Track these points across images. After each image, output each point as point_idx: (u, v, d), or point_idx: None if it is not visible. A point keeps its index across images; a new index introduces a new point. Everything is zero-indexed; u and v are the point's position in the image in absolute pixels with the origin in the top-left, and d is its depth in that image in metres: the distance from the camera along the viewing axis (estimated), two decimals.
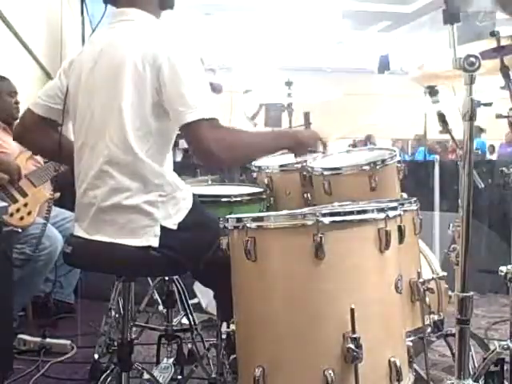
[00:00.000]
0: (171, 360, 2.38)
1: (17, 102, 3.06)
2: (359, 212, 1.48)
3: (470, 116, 1.54)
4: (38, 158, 3.07)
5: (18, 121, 1.98)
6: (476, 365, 1.92)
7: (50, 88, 1.88)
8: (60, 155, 1.83)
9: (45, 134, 1.88)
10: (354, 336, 1.36)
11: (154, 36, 1.69)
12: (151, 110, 1.64)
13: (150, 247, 1.64)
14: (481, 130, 8.66)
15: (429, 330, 1.94)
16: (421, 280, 1.88)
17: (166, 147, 1.70)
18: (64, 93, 1.81)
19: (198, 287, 3.02)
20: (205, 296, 3.00)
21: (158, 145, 1.67)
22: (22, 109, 3.05)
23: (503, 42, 1.71)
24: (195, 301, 3.02)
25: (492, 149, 11.37)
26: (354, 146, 9.28)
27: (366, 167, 2.15)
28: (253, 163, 2.55)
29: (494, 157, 10.57)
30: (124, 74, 1.63)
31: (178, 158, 5.58)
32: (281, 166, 2.45)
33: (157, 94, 1.62)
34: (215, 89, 6.79)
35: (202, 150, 1.61)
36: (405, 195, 2.23)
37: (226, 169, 2.27)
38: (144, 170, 1.64)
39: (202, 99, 1.60)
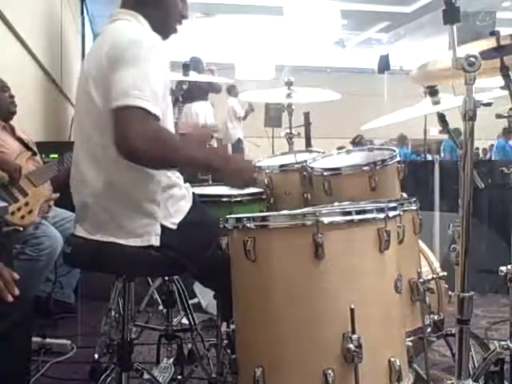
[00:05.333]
0: (171, 360, 2.38)
1: (11, 96, 3.04)
2: (359, 212, 1.48)
3: (470, 116, 1.54)
4: (38, 158, 3.07)
5: None
6: (476, 365, 1.92)
7: None
8: None
9: None
10: (354, 336, 1.36)
11: (119, 32, 1.68)
12: None
13: (150, 247, 1.64)
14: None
15: (429, 330, 1.94)
16: (421, 280, 1.88)
17: None
18: None
19: (198, 287, 3.02)
20: (205, 296, 3.00)
21: None
22: (19, 106, 3.06)
23: (503, 42, 1.71)
24: (195, 301, 3.02)
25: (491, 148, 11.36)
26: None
27: (366, 167, 2.15)
28: (253, 163, 2.55)
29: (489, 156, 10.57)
30: (96, 77, 1.63)
31: None
32: (281, 166, 2.45)
33: None
34: (214, 89, 6.81)
35: (124, 139, 1.49)
36: (405, 195, 2.23)
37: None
38: (143, 168, 1.63)
39: (138, 87, 1.51)
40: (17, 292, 1.40)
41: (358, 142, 9.47)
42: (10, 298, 1.38)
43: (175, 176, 1.73)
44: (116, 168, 1.62)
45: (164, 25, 1.81)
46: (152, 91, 1.53)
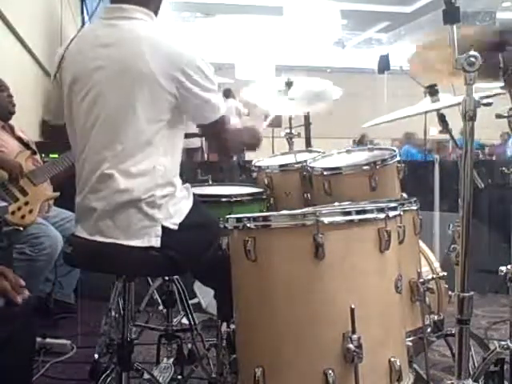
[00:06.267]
0: (171, 360, 2.38)
1: (10, 96, 3.02)
2: (359, 212, 1.48)
3: (470, 116, 1.54)
4: (37, 157, 3.07)
5: None
6: (476, 365, 1.92)
7: None
8: None
9: None
10: (354, 336, 1.36)
11: (163, 41, 1.69)
12: (164, 115, 1.65)
13: (151, 247, 1.64)
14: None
15: (429, 330, 1.94)
16: (421, 280, 1.88)
17: (171, 150, 1.70)
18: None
19: (198, 287, 3.02)
20: (205, 296, 3.00)
21: (165, 148, 1.67)
22: (18, 106, 3.06)
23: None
24: (195, 301, 3.01)
25: (493, 148, 11.35)
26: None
27: (366, 167, 2.15)
28: (253, 163, 2.55)
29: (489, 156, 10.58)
30: (136, 80, 1.62)
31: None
32: (281, 165, 2.45)
33: (174, 101, 1.65)
34: None
35: (224, 145, 1.85)
36: (405, 195, 2.23)
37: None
38: (151, 172, 1.64)
39: (217, 99, 1.73)
40: (26, 294, 1.38)
41: (359, 141, 9.49)
42: (19, 300, 1.36)
43: (175, 178, 1.73)
44: (127, 176, 1.63)
45: (158, 10, 1.83)
46: (219, 94, 1.76)
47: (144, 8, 1.72)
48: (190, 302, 2.47)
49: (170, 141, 1.70)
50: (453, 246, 1.60)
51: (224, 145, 1.87)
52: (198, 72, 1.67)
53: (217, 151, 1.98)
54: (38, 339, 2.75)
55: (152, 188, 1.64)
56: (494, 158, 10.17)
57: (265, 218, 1.51)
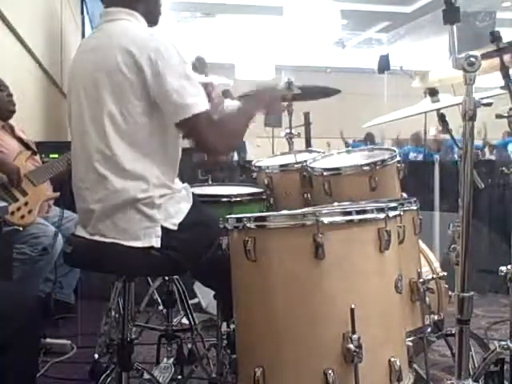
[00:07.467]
0: (171, 360, 2.38)
1: (9, 95, 3.01)
2: (359, 212, 1.48)
3: (470, 116, 1.54)
4: (37, 157, 3.07)
5: None
6: (476, 365, 1.92)
7: None
8: None
9: None
10: (354, 336, 1.36)
11: (132, 34, 1.68)
12: (141, 109, 1.63)
13: (151, 248, 1.64)
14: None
15: (429, 330, 1.94)
16: (421, 280, 1.88)
17: (163, 147, 1.70)
18: None
19: (198, 287, 3.02)
20: (205, 296, 3.00)
21: (156, 145, 1.67)
22: (18, 106, 3.05)
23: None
24: (195, 301, 3.01)
25: (492, 148, 11.36)
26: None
27: (366, 167, 2.15)
28: (253, 163, 2.55)
29: (493, 156, 10.56)
30: (104, 75, 1.63)
31: None
32: (281, 166, 2.45)
33: (145, 93, 1.62)
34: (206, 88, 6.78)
35: (204, 145, 1.69)
36: (405, 195, 2.23)
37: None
38: (142, 172, 1.64)
39: (191, 94, 1.61)
40: None
41: (369, 139, 9.53)
42: None
43: (173, 178, 1.73)
44: (123, 176, 1.63)
45: (154, 13, 1.84)
46: (197, 87, 1.64)
47: (130, 10, 1.75)
48: (190, 302, 2.47)
49: (161, 139, 1.68)
50: (453, 245, 1.60)
51: (205, 146, 1.71)
52: (166, 62, 1.61)
53: (201, 152, 1.78)
54: None
55: (149, 189, 1.64)
56: (493, 157, 10.16)
57: (265, 218, 1.51)
